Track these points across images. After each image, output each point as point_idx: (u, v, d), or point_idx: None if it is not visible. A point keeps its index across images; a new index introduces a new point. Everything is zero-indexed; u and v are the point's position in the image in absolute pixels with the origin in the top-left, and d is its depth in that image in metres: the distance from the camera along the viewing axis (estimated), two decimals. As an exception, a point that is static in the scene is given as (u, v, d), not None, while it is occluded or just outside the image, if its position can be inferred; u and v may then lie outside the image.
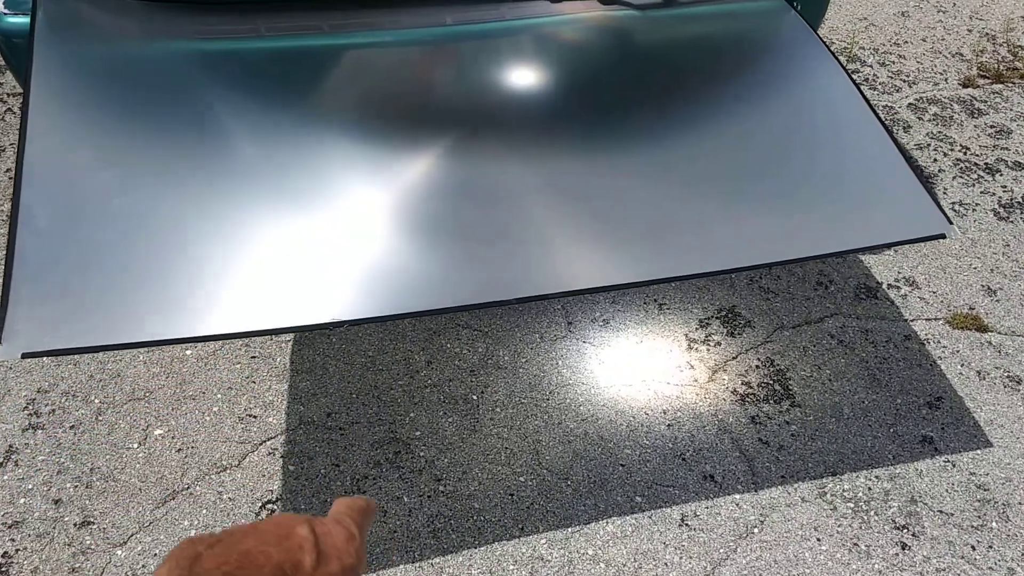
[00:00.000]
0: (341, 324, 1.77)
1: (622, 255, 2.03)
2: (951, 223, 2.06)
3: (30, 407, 2.56)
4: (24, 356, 1.64)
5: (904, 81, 4.19)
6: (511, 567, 2.22)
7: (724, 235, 2.09)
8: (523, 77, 2.36)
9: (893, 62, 4.33)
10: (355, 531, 0.62)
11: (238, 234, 1.88)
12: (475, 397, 2.63)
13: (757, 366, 2.76)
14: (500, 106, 2.28)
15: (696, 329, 2.88)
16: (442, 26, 2.40)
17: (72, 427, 2.52)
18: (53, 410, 2.55)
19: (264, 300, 1.79)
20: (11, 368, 2.67)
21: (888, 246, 2.10)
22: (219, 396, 2.62)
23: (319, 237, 1.90)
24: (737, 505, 2.38)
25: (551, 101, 2.32)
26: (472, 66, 2.36)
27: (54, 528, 2.27)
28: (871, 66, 4.29)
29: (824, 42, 2.44)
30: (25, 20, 2.20)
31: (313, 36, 2.31)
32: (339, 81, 2.27)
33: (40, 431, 2.50)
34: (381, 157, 2.09)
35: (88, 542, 2.25)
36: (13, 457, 2.43)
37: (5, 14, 2.24)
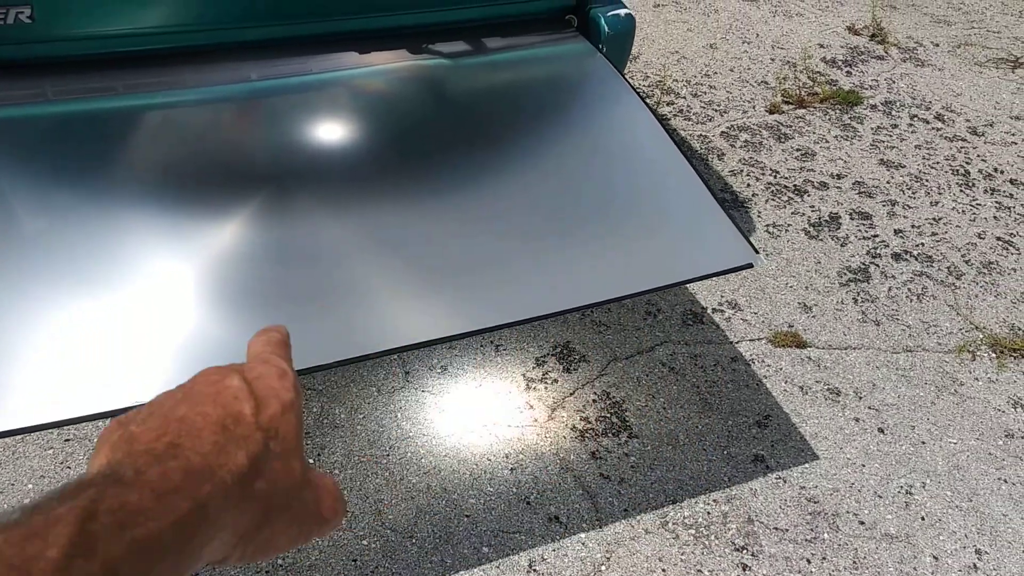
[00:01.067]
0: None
1: (449, 306, 2.01)
2: (757, 252, 2.15)
3: None
4: None
5: (716, 110, 4.39)
6: (357, 637, 2.14)
7: (548, 278, 2.10)
8: (333, 131, 2.32)
9: (704, 92, 4.53)
10: (284, 366, 0.57)
11: (27, 315, 1.74)
12: (312, 460, 2.53)
13: (594, 400, 2.79)
14: (312, 161, 2.22)
15: (533, 368, 2.89)
16: (247, 82, 2.33)
17: None
18: None
19: (60, 386, 1.67)
20: None
21: (701, 279, 2.17)
22: (30, 487, 2.42)
23: (118, 318, 1.78)
24: (583, 544, 2.38)
25: (364, 153, 2.28)
26: (282, 122, 2.30)
27: None
28: (684, 97, 4.47)
29: (629, 82, 2.52)
30: None
31: (106, 98, 2.19)
32: (137, 145, 2.16)
33: None
34: (183, 223, 1.99)
35: None
36: None
37: None
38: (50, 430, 2.45)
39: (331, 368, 1.82)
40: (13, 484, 2.43)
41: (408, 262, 2.08)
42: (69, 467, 2.47)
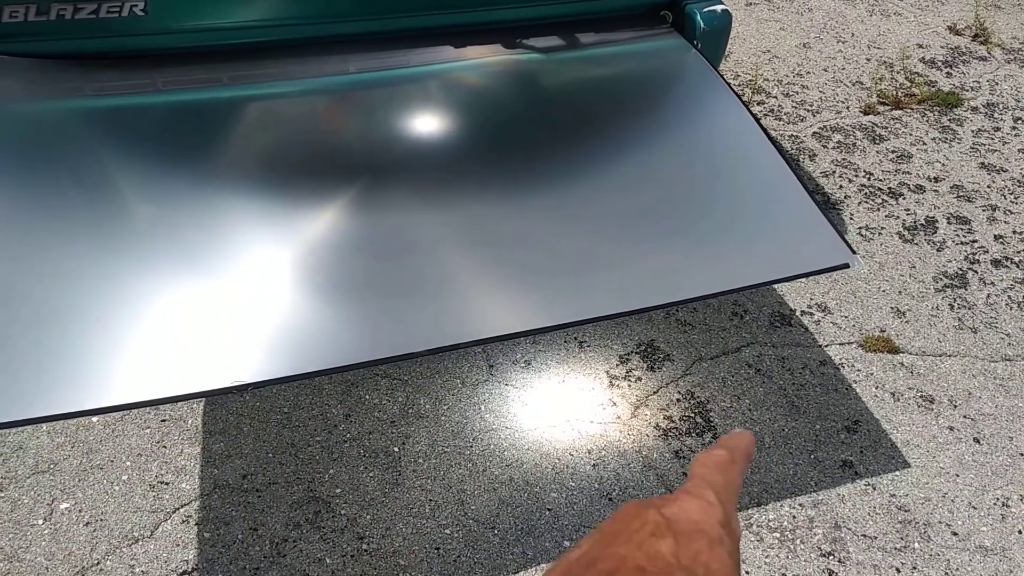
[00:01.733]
0: (244, 388, 1.71)
1: (536, 300, 2.01)
2: (854, 253, 2.10)
3: (-75, 487, 2.42)
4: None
5: (808, 111, 4.30)
6: (439, 624, 2.16)
7: (636, 274, 2.09)
8: (429, 123, 2.35)
9: (796, 92, 4.45)
10: (711, 496, 0.53)
11: (134, 298, 1.81)
12: (396, 449, 2.58)
13: (678, 399, 2.77)
14: (406, 154, 2.26)
15: (617, 365, 2.88)
16: (345, 74, 2.38)
17: (-29, 506, 2.39)
18: (-50, 489, 2.42)
19: (163, 367, 1.73)
20: (-97, 447, 2.53)
21: (795, 278, 2.13)
22: (128, 464, 2.51)
23: (222, 297, 1.84)
24: (665, 543, 2.36)
25: (457, 147, 2.31)
26: (378, 114, 2.34)
27: (-48, 617, 2.15)
28: (776, 97, 4.40)
29: (725, 79, 2.49)
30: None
31: (212, 88, 2.27)
32: (240, 134, 2.23)
33: (-64, 513, 2.36)
34: (284, 212, 2.05)
35: (-11, 629, 2.13)
36: (-94, 543, 2.29)
37: None
38: (149, 409, 2.54)
39: (419, 357, 1.84)
40: (112, 461, 2.52)
41: (497, 256, 2.09)
42: (165, 446, 2.55)
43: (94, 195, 2.00)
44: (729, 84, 2.48)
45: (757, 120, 2.37)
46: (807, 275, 2.13)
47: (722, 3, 2.69)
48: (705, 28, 2.62)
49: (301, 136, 2.24)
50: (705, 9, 2.64)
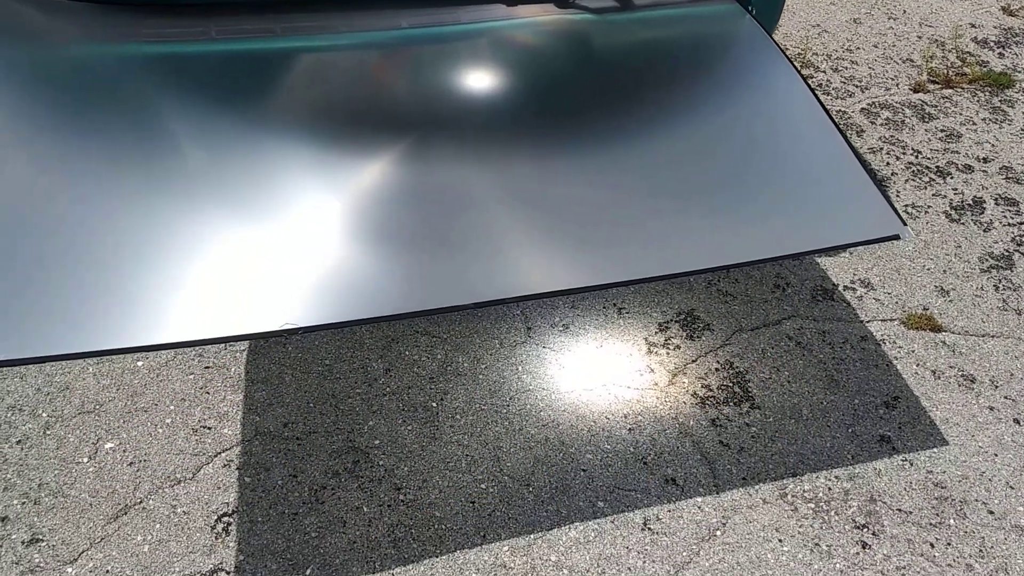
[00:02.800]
0: (295, 331, 1.73)
1: (580, 259, 2.02)
2: (905, 224, 2.08)
3: (-25, 422, 2.48)
4: (-34, 368, 1.58)
5: (857, 86, 4.24)
6: (473, 575, 2.19)
7: (682, 238, 2.09)
8: (479, 81, 2.35)
9: (846, 68, 4.38)
10: None
11: (187, 241, 1.84)
12: (434, 404, 2.60)
13: (716, 369, 2.77)
14: (457, 110, 2.26)
15: (655, 333, 2.88)
16: (398, 29, 2.38)
17: (19, 442, 2.44)
18: (-1, 425, 2.48)
19: (215, 308, 1.75)
20: (-46, 382, 2.59)
21: (844, 247, 2.11)
22: (172, 408, 2.56)
23: (271, 243, 1.86)
24: (699, 508, 2.37)
25: (508, 105, 2.30)
26: (428, 70, 2.34)
27: (0, 547, 2.20)
28: (824, 72, 4.34)
29: (779, 46, 2.46)
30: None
31: (265, 39, 2.28)
32: (292, 85, 2.24)
33: (-15, 447, 2.42)
34: (335, 162, 2.06)
35: (37, 560, 2.18)
36: (-43, 474, 2.35)
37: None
38: (193, 356, 2.58)
39: (461, 310, 1.86)
40: (156, 404, 2.57)
41: (542, 214, 2.10)
42: (208, 392, 2.60)
43: (148, 140, 2.02)
44: (783, 51, 2.45)
45: (811, 88, 2.35)
46: (856, 245, 2.12)
47: (779, -31, 2.65)
48: (761, -6, 2.58)
49: (352, 89, 2.25)
50: (761, -25, 2.60)
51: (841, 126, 3.65)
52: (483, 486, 2.39)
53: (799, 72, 2.39)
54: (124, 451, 2.43)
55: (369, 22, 2.37)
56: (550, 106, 2.33)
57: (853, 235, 2.09)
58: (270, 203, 1.96)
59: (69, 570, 2.17)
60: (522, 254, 2.00)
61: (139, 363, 2.68)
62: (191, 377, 2.64)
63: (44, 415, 2.52)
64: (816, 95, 2.34)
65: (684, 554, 2.27)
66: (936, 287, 3.14)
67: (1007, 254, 3.31)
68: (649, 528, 2.32)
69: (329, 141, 2.13)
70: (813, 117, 2.31)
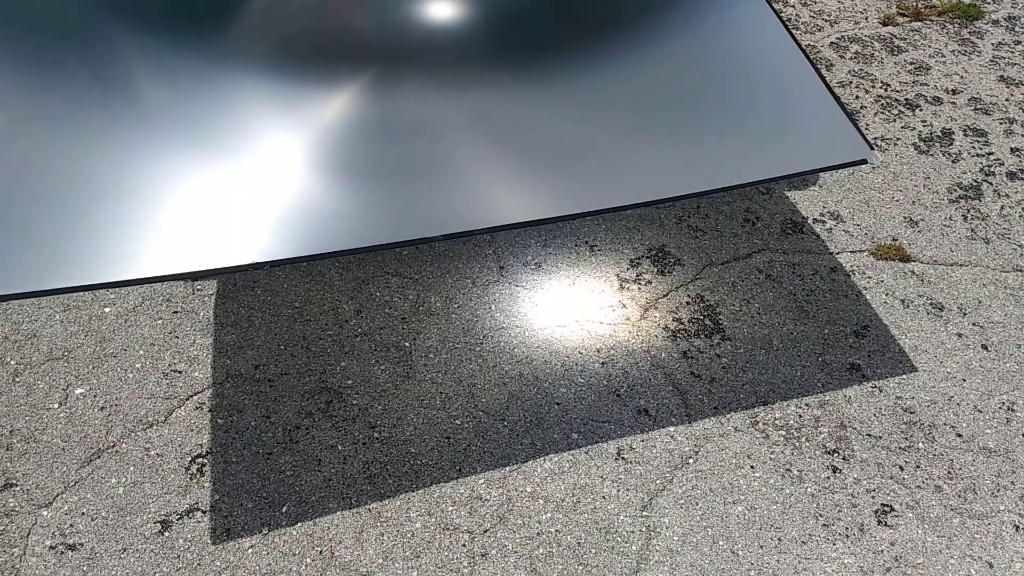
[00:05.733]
0: (262, 265, 1.72)
1: (550, 189, 2.01)
2: (873, 149, 2.09)
3: (-59, 372, 2.45)
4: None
5: (826, 20, 4.22)
6: (450, 508, 2.20)
7: (654, 166, 2.08)
8: (442, 11, 2.30)
9: (815, 2, 4.35)
10: None
11: (153, 177, 1.81)
12: (407, 344, 2.59)
13: (687, 302, 2.78)
14: (419, 40, 2.22)
15: (627, 269, 2.88)
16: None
17: (-13, 390, 2.42)
18: (-34, 374, 2.45)
19: (184, 243, 1.73)
20: (-82, 333, 2.55)
21: (813, 172, 2.11)
22: (141, 353, 2.54)
23: (236, 178, 1.84)
24: (672, 437, 2.40)
25: (472, 35, 2.27)
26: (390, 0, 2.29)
27: (-28, 493, 2.19)
28: (793, 6, 4.31)
29: (746, -28, 2.43)
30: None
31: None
32: (253, 18, 2.19)
33: (-47, 396, 2.39)
34: (297, 95, 2.03)
35: (11, 504, 2.17)
36: (-76, 423, 2.33)
37: None
38: (161, 301, 2.55)
39: (429, 242, 1.84)
40: (125, 350, 2.55)
41: (509, 145, 2.08)
42: (177, 337, 2.57)
43: (108, 77, 1.98)
44: (751, -22, 2.42)
45: (781, 20, 2.32)
46: (826, 169, 2.12)
47: None
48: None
49: (314, 20, 2.20)
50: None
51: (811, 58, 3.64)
52: (458, 422, 2.40)
53: (770, 4, 2.36)
54: (95, 396, 2.41)
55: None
56: (517, 37, 2.30)
57: (823, 160, 2.09)
58: (234, 138, 1.93)
59: (45, 513, 2.16)
60: (489, 184, 1.99)
61: (107, 309, 2.65)
62: (160, 322, 2.62)
63: (12, 363, 2.49)
64: (786, 26, 2.32)
65: (658, 482, 2.29)
66: (905, 218, 3.15)
67: (975, 184, 3.33)
68: (623, 458, 2.34)
69: (293, 75, 2.09)
70: (784, 48, 2.29)
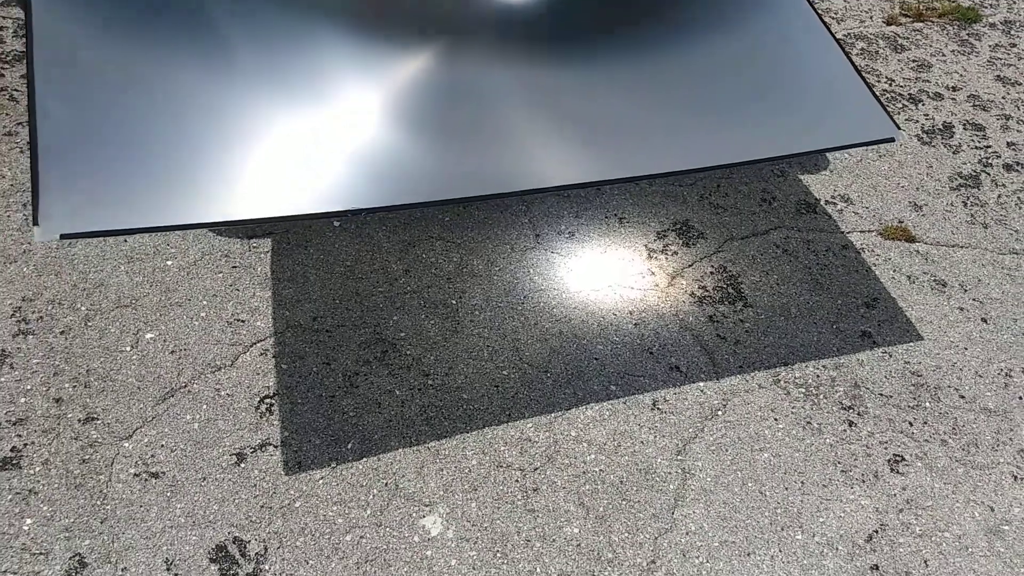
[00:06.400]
0: (359, 212, 1.89)
1: (595, 155, 2.20)
2: (899, 128, 2.29)
3: (17, 315, 2.60)
4: (63, 237, 1.72)
5: (833, 18, 4.44)
6: (502, 448, 2.39)
7: (694, 138, 2.28)
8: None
9: (821, 1, 4.57)
10: None
11: (247, 129, 1.98)
12: (454, 302, 2.78)
13: (711, 272, 2.98)
14: (487, 17, 2.40)
15: (654, 240, 3.08)
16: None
17: (63, 332, 2.57)
18: (41, 317, 2.60)
19: (279, 189, 1.91)
20: (-9, 279, 2.70)
21: (843, 148, 2.32)
22: (205, 303, 2.70)
23: (320, 130, 2.01)
24: (701, 391, 2.60)
25: (533, 13, 2.45)
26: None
27: (59, 424, 2.35)
28: (802, 3, 4.52)
29: (781, -35, 2.63)
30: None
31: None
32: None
33: (31, 336, 2.55)
34: (376, 59, 2.20)
35: (94, 436, 2.34)
36: (8, 361, 2.48)
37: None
38: (220, 255, 2.72)
39: (484, 200, 2.03)
40: (189, 299, 2.71)
41: (560, 114, 2.27)
42: (238, 289, 2.74)
43: (201, 38, 2.14)
44: (785, -30, 2.62)
45: (813, 6, 2.53)
46: (855, 146, 2.32)
47: None
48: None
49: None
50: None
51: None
52: (505, 372, 2.59)
53: (801, -9, 2.57)
54: (164, 341, 2.58)
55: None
56: (573, 19, 2.49)
57: (852, 137, 2.29)
58: (320, 97, 2.11)
59: (126, 444, 2.33)
60: (540, 149, 2.18)
61: (169, 262, 2.81)
62: (220, 275, 2.78)
63: (83, 309, 2.65)
64: (817, 12, 2.53)
65: (690, 430, 2.50)
66: (910, 202, 3.38)
67: (975, 174, 3.56)
68: (658, 408, 2.54)
69: (372, 41, 2.27)
70: (815, 33, 2.50)
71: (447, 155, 2.11)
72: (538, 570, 2.16)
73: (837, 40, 2.46)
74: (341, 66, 2.17)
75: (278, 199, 1.92)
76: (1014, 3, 4.76)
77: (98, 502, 2.21)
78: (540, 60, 2.39)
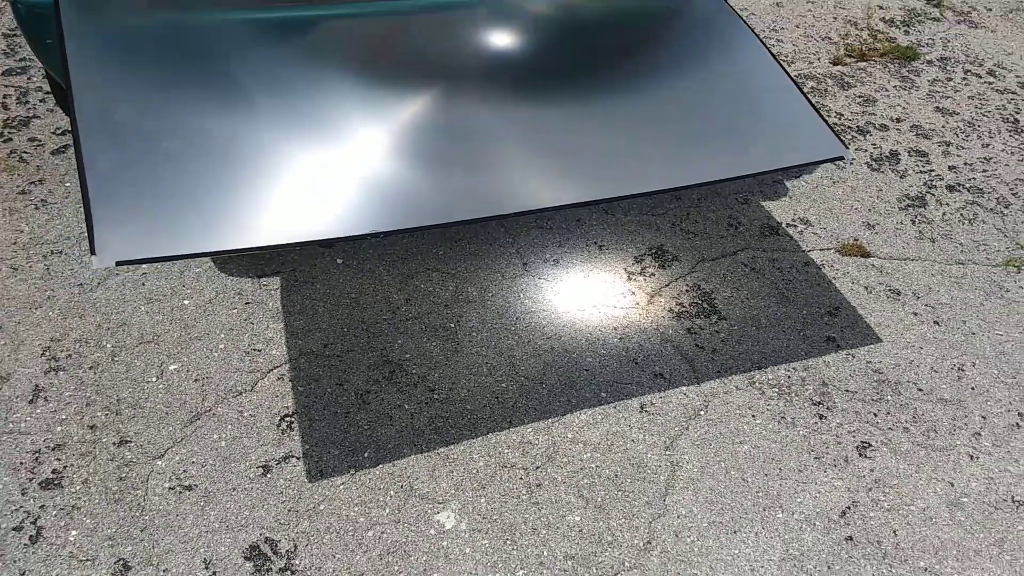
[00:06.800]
0: (377, 235, 2.14)
1: (570, 181, 2.47)
2: (847, 148, 2.59)
3: (47, 353, 2.80)
4: (118, 264, 1.95)
5: (784, 61, 4.80)
6: (505, 450, 2.62)
7: (663, 163, 2.56)
8: (493, 40, 2.78)
9: (773, 45, 4.94)
10: None
11: (270, 164, 2.24)
12: (453, 325, 3.02)
13: (687, 290, 3.25)
14: (476, 64, 2.69)
15: (632, 264, 3.34)
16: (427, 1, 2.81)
17: (91, 367, 2.77)
18: (69, 355, 2.80)
19: (301, 217, 2.16)
20: (19, 322, 2.90)
21: (798, 167, 2.60)
22: (222, 336, 2.92)
23: (334, 163, 2.28)
24: (684, 395, 2.85)
25: (514, 63, 2.75)
26: (454, 33, 2.77)
27: (95, 448, 2.54)
28: (755, 49, 4.89)
29: (732, 7, 2.95)
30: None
31: (324, 6, 2.69)
32: (342, 43, 2.64)
33: (62, 372, 2.75)
34: (381, 103, 2.48)
35: (129, 456, 2.53)
36: (42, 394, 2.67)
37: (28, -10, 2.51)
38: (233, 293, 2.95)
39: (479, 223, 2.27)
40: (208, 334, 2.92)
41: (544, 147, 2.55)
42: (252, 323, 2.96)
43: (228, 89, 2.41)
44: (740, 16, 2.95)
45: (764, 43, 2.84)
46: (809, 165, 2.62)
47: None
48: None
49: (395, 47, 2.67)
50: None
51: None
52: (503, 385, 2.82)
53: (754, 31, 2.89)
54: (187, 371, 2.79)
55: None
56: (550, 61, 2.78)
57: (806, 157, 2.59)
58: (332, 138, 2.37)
59: (159, 463, 2.52)
60: (526, 177, 2.45)
61: (186, 301, 3.03)
62: (235, 311, 3.00)
63: (109, 346, 2.85)
64: (768, 48, 2.84)
65: (676, 428, 2.73)
66: (863, 222, 3.68)
67: (921, 195, 3.88)
68: (645, 411, 2.78)
69: (378, 87, 2.55)
70: (767, 67, 2.81)
71: (446, 184, 2.37)
72: (545, 554, 2.38)
73: (790, 75, 2.77)
74: (349, 110, 2.44)
75: (301, 226, 2.16)
76: (948, 42, 5.17)
77: (137, 513, 2.40)
78: (525, 100, 2.67)
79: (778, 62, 2.80)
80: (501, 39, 2.80)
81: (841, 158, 2.59)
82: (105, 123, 2.23)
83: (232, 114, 2.33)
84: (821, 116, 2.67)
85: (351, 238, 2.15)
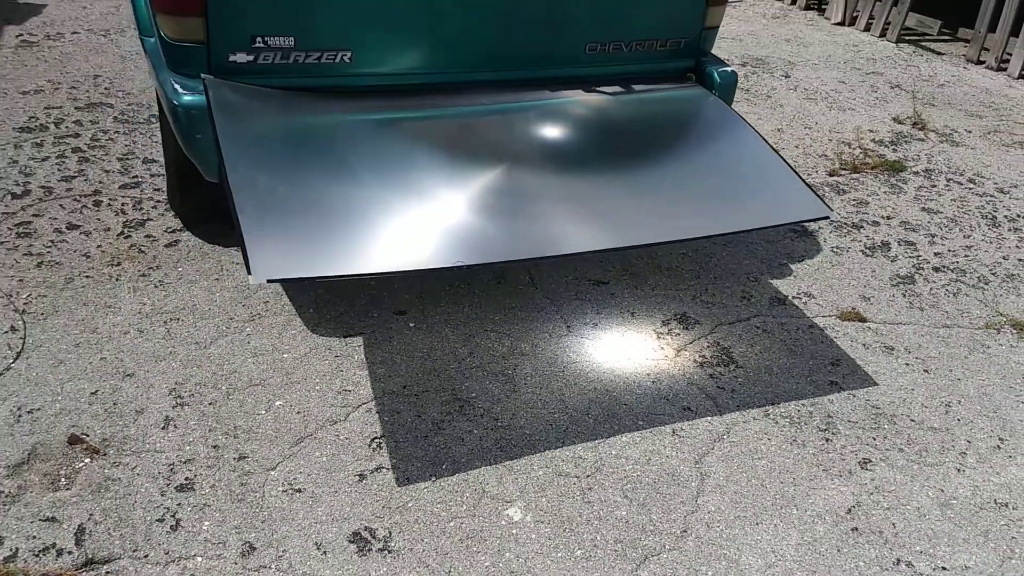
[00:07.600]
0: (463, 265, 2.75)
1: (607, 231, 3.11)
2: (831, 209, 3.21)
3: (172, 394, 3.36)
4: (269, 281, 2.56)
5: (786, 172, 5.49)
6: (560, 463, 3.12)
7: (674, 220, 3.19)
8: (542, 131, 3.47)
9: (776, 159, 5.65)
10: None
11: (379, 214, 2.88)
12: (510, 371, 3.56)
13: (708, 346, 3.80)
14: (527, 152, 3.37)
15: (660, 326, 3.91)
16: (489, 104, 3.53)
17: (210, 403, 3.33)
18: (192, 395, 3.36)
19: (411, 252, 2.78)
20: (148, 371, 3.47)
21: (789, 224, 3.22)
22: (318, 380, 3.48)
23: (419, 220, 2.93)
24: (709, 423, 3.35)
25: (557, 146, 3.43)
26: (507, 127, 3.47)
27: (219, 461, 3.06)
28: (760, 162, 5.60)
29: (735, 111, 3.64)
30: (198, 98, 3.20)
31: (402, 110, 3.40)
32: (430, 135, 3.35)
33: (186, 407, 3.30)
34: (460, 175, 3.14)
35: (247, 468, 3.05)
36: (171, 423, 3.22)
37: (183, 93, 3.23)
38: (325, 348, 3.53)
39: (533, 262, 2.87)
40: (305, 378, 3.48)
41: (582, 205, 3.20)
42: (342, 370, 3.52)
43: (352, 165, 3.09)
44: (739, 115, 3.63)
45: (757, 132, 3.51)
46: (795, 222, 3.23)
47: (730, 67, 3.87)
48: (720, 82, 3.80)
49: (460, 140, 3.36)
50: (720, 70, 3.82)
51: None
52: (556, 416, 3.34)
53: (748, 123, 3.56)
54: (291, 406, 3.33)
55: (464, 100, 3.50)
56: (585, 146, 3.46)
57: (798, 215, 3.20)
58: (429, 198, 3.03)
59: (272, 473, 3.03)
60: (566, 227, 3.08)
61: (285, 355, 3.60)
62: (327, 362, 3.57)
63: (224, 388, 3.41)
64: (761, 136, 3.50)
65: (703, 448, 3.23)
66: (860, 295, 4.25)
67: (910, 275, 4.46)
68: (677, 435, 3.28)
69: (455, 165, 3.22)
70: (760, 150, 3.47)
71: (507, 231, 3.00)
72: (598, 539, 2.84)
73: (782, 157, 3.42)
74: (437, 180, 3.10)
75: (402, 257, 2.78)
76: (932, 157, 5.86)
77: (257, 509, 2.90)
78: (567, 172, 3.35)
79: (770, 146, 3.45)
80: (548, 131, 3.49)
81: (827, 217, 3.19)
82: (251, 184, 2.88)
83: (348, 183, 2.99)
84: (808, 184, 3.30)
85: (441, 269, 2.75)
